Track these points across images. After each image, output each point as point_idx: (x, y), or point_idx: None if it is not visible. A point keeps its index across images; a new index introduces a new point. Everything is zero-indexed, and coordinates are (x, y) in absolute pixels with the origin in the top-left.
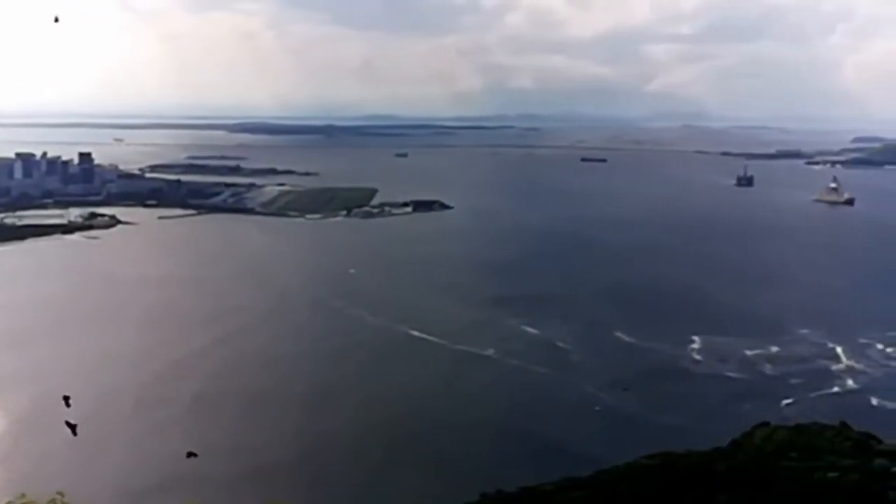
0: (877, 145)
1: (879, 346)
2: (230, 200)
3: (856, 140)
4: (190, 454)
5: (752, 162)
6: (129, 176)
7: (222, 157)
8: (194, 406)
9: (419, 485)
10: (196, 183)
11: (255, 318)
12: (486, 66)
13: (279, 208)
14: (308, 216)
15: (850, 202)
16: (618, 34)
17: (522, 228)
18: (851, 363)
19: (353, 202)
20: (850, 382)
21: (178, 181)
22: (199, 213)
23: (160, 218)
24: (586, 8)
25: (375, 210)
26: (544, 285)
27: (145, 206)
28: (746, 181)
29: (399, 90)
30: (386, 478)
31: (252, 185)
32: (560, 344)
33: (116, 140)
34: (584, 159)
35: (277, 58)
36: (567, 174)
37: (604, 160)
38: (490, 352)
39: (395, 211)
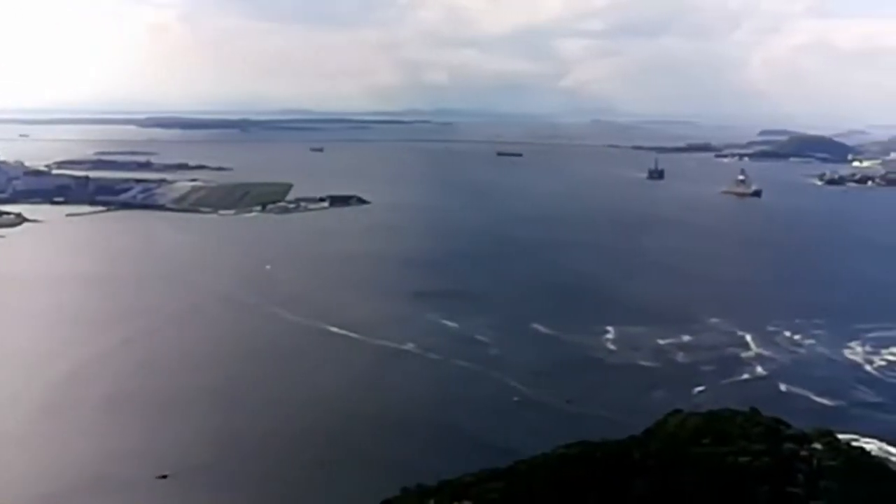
0: (782, 138)
1: (787, 334)
2: (140, 197)
3: (762, 133)
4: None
5: (662, 155)
6: (35, 173)
7: (132, 153)
8: (103, 408)
9: (339, 482)
10: (105, 179)
11: (166, 317)
12: (402, 61)
13: (191, 204)
14: (221, 212)
15: (757, 194)
16: (531, 29)
17: (441, 223)
18: (760, 350)
19: (268, 197)
20: (759, 369)
21: (87, 178)
22: (108, 210)
23: (68, 215)
24: (499, 3)
25: (291, 205)
26: (464, 280)
27: (53, 203)
28: (657, 174)
29: (314, 84)
30: (305, 476)
31: (163, 181)
32: (479, 337)
33: (22, 136)
34: (500, 154)
35: (191, 51)
36: (484, 169)
37: (519, 155)
38: (410, 346)
39: (311, 206)
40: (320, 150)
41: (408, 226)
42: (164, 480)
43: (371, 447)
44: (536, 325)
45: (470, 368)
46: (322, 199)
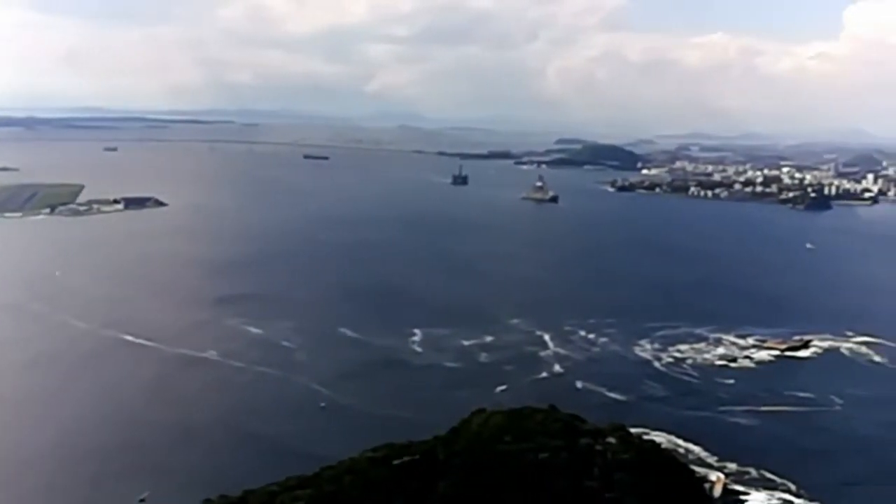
0: (577, 147)
1: (582, 333)
2: None
3: (559, 141)
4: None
5: (466, 161)
6: None
7: None
8: None
9: (131, 498)
10: None
11: None
12: (202, 59)
13: None
14: (6, 215)
15: (554, 199)
16: (336, 32)
17: (245, 226)
18: (558, 349)
19: (58, 199)
20: (556, 367)
21: None
22: None
23: None
24: (304, 4)
25: (83, 207)
26: (268, 284)
27: None
28: (461, 180)
29: (108, 81)
30: (98, 490)
31: None
32: (284, 343)
33: None
34: (306, 156)
35: None
36: (290, 171)
37: (326, 157)
38: (210, 354)
39: (104, 208)
40: (115, 149)
41: (209, 229)
42: None
43: (168, 459)
44: (343, 329)
45: (274, 375)
46: (116, 201)
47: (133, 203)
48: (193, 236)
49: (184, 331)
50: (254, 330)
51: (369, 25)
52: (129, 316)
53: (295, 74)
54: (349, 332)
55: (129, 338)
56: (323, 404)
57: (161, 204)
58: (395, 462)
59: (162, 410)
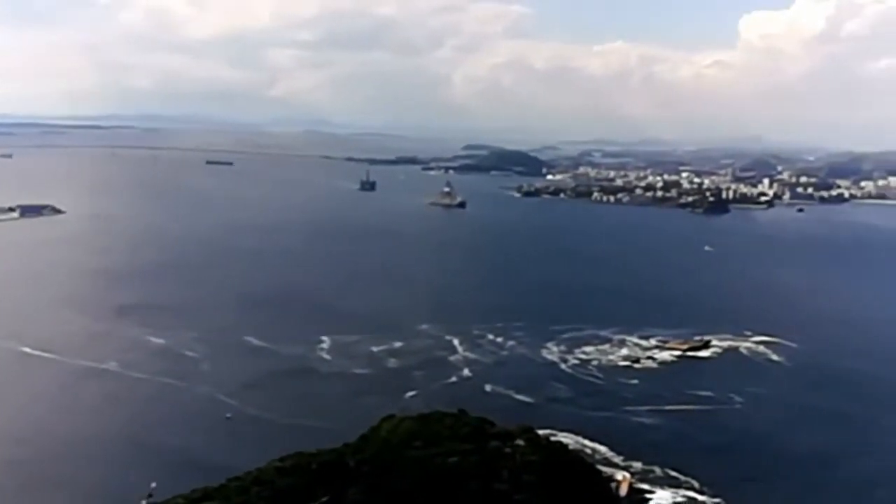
0: (484, 153)
1: (490, 336)
2: None
3: (466, 147)
4: None
5: (374, 167)
6: None
7: None
8: None
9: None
10: None
11: None
12: (102, 64)
13: None
14: None
15: (462, 205)
16: (240, 37)
17: (147, 234)
18: (467, 353)
19: None
20: (466, 371)
21: None
22: None
23: None
24: (205, 8)
25: None
26: (171, 292)
27: None
28: (369, 186)
29: (2, 86)
30: None
31: None
32: (188, 352)
33: None
34: (209, 162)
35: None
36: (192, 177)
37: (230, 163)
38: (111, 365)
39: None
40: (9, 156)
41: (110, 237)
42: None
43: (67, 474)
44: (249, 338)
45: (177, 385)
46: (11, 209)
47: (29, 211)
48: (93, 245)
49: (84, 342)
50: (156, 340)
51: (273, 30)
52: (26, 327)
53: (197, 79)
54: (255, 341)
55: (27, 349)
56: (229, 415)
57: (59, 212)
58: (304, 471)
59: (61, 424)
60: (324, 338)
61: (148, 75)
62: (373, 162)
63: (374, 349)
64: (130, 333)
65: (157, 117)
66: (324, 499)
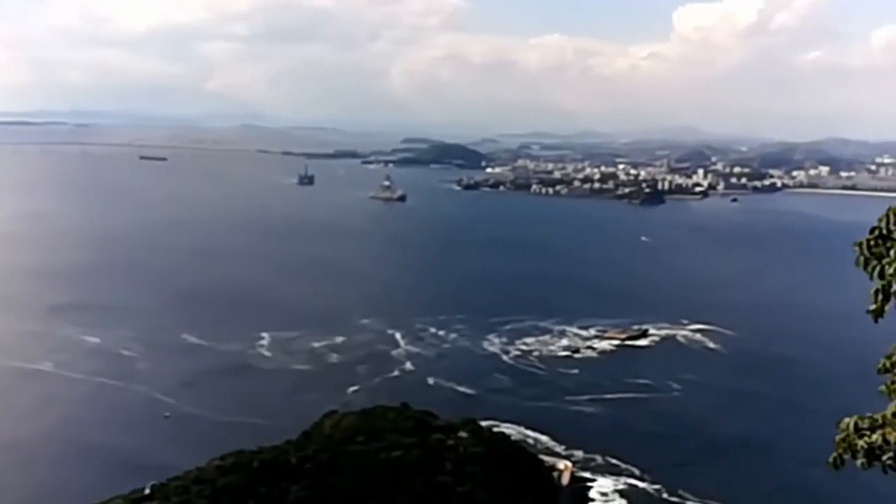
0: (423, 146)
1: (432, 330)
2: None
3: (405, 141)
4: None
5: (312, 161)
6: None
7: None
8: None
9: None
10: None
11: None
12: (31, 59)
13: None
14: None
15: (402, 198)
16: (173, 31)
17: (79, 231)
18: (409, 347)
19: None
20: (408, 365)
21: None
22: None
23: None
24: (138, 1)
25: None
26: (105, 291)
27: None
28: (308, 180)
29: None
30: None
31: None
32: (124, 351)
33: None
34: (143, 157)
35: None
36: (126, 173)
37: (164, 159)
38: (45, 365)
39: None
40: None
41: (39, 235)
42: None
43: (2, 479)
44: (186, 336)
45: (114, 385)
46: None
47: None
48: (23, 243)
49: (16, 342)
50: (91, 339)
51: (207, 24)
52: None
53: (130, 74)
54: (193, 339)
55: None
56: (167, 414)
57: None
58: (246, 469)
59: None
60: (263, 334)
61: (80, 70)
62: (311, 156)
63: (315, 345)
64: (65, 333)
65: (89, 113)
66: None
